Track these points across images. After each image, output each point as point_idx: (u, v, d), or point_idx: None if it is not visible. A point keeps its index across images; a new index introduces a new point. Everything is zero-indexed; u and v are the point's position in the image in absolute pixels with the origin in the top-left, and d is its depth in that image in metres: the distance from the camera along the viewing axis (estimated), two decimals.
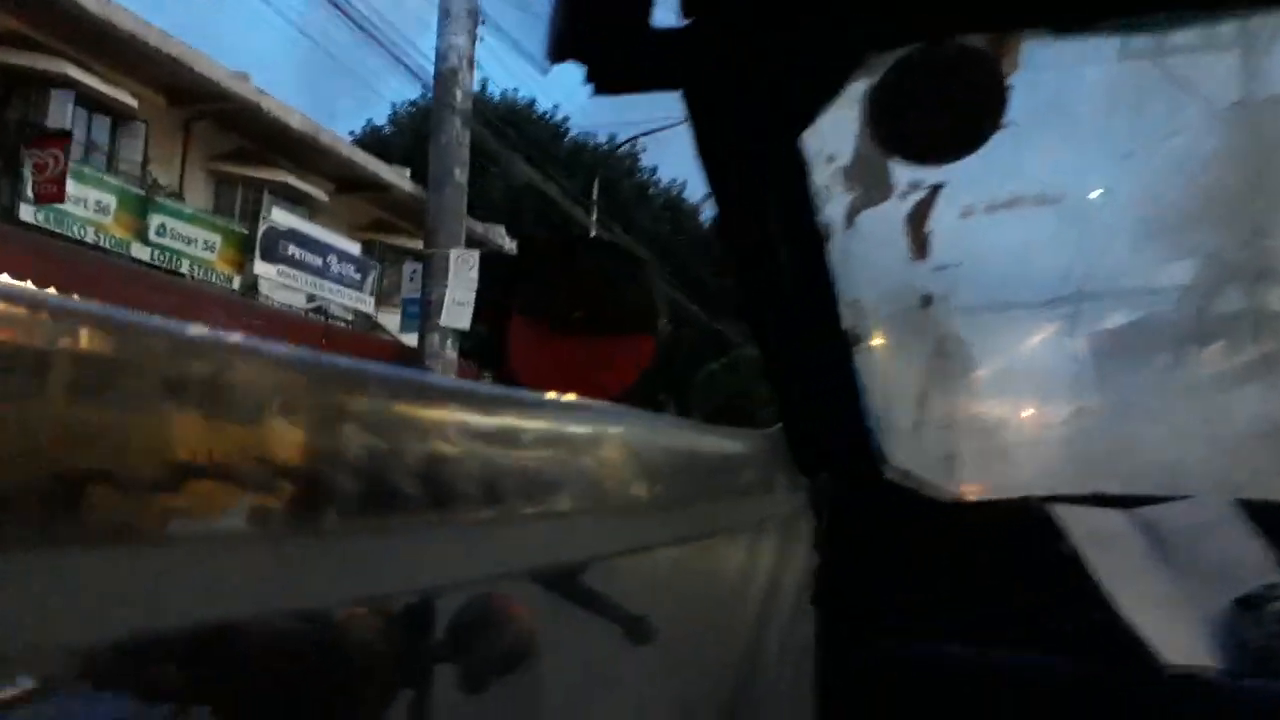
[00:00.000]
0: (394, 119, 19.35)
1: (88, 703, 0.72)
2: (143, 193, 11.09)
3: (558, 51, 0.73)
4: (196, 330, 0.39)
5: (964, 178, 0.98)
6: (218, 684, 0.70)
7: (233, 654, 0.67)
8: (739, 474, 1.05)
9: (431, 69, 10.14)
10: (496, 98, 19.83)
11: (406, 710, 0.89)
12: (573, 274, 1.08)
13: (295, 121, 12.45)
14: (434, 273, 9.29)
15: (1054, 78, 0.97)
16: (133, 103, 11.02)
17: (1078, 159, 1.03)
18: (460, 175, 9.41)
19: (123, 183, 10.95)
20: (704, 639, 1.05)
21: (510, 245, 14.95)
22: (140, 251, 10.84)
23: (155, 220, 10.96)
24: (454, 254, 9.06)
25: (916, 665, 1.23)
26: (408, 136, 18.40)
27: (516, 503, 0.60)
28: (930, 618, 1.40)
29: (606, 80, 0.80)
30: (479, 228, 13.87)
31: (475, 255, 9.16)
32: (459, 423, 0.55)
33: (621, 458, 0.74)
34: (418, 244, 11.72)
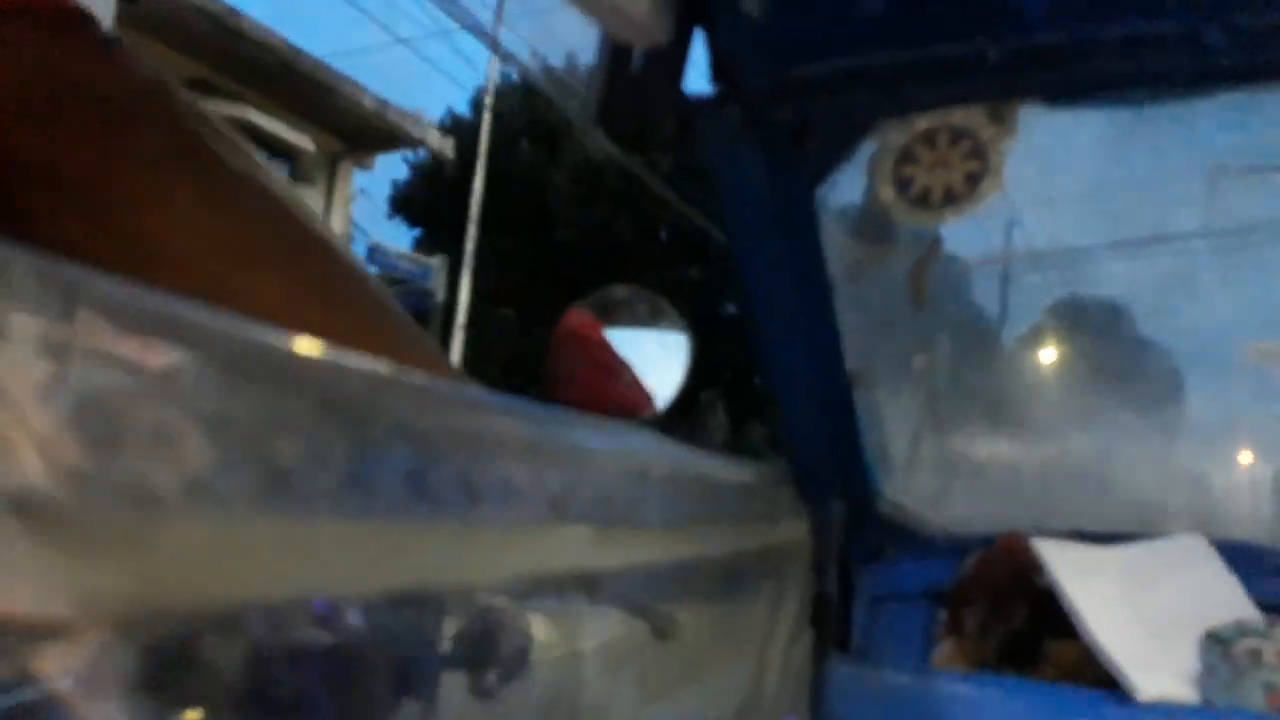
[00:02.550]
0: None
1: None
2: None
3: (601, 119, 0.82)
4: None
5: (962, 234, 1.07)
6: (216, 686, 0.67)
7: (236, 656, 0.65)
8: (747, 501, 1.13)
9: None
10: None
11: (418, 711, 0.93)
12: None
13: None
14: None
15: (1048, 142, 1.06)
16: None
17: (1068, 217, 1.12)
18: None
19: None
20: (710, 657, 1.12)
21: (440, 143, 11.49)
22: None
23: None
24: None
25: (906, 690, 1.30)
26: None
27: (530, 513, 0.65)
28: (920, 643, 1.47)
29: (641, 142, 0.88)
30: (368, 99, 10.13)
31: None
32: (477, 431, 0.60)
33: (636, 478, 0.81)
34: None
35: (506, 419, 0.64)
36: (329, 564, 0.51)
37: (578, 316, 1.30)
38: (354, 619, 0.81)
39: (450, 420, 0.57)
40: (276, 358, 0.44)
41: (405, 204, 17.30)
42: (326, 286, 0.58)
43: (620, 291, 1.24)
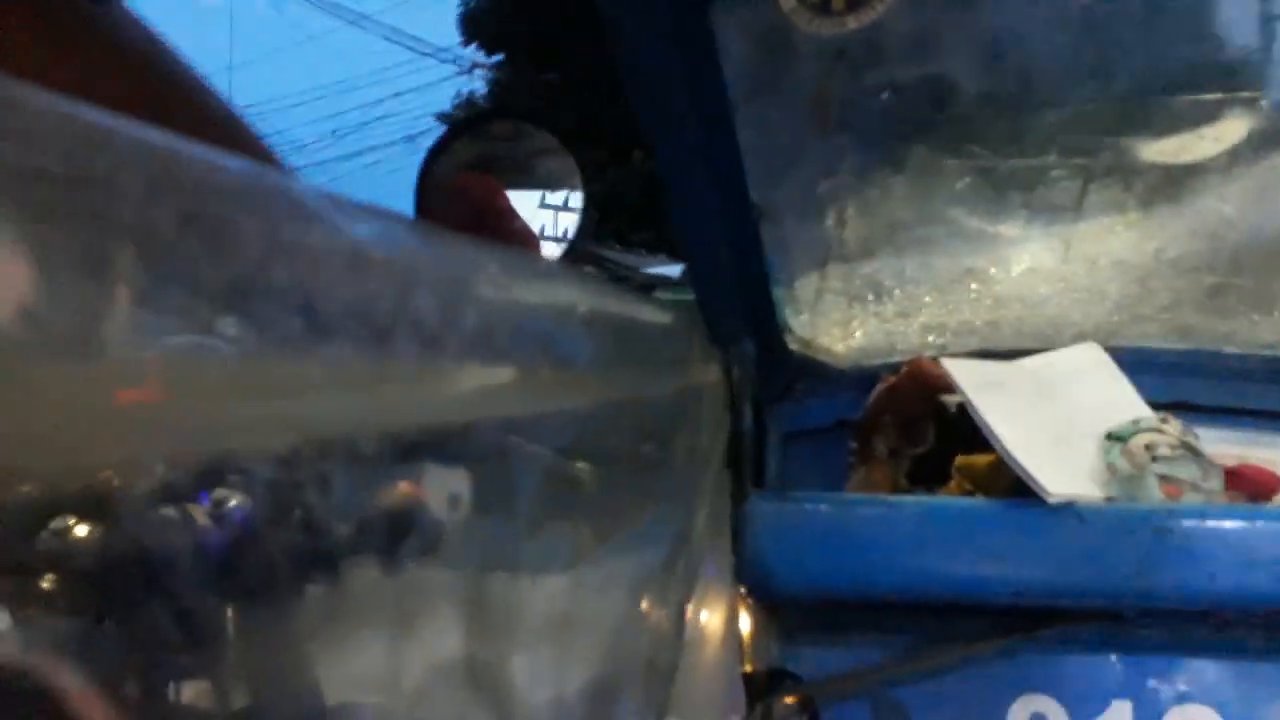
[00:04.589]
0: None
1: None
2: None
3: None
4: None
5: (868, 47, 1.01)
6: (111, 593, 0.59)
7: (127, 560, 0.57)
8: (659, 342, 1.08)
9: None
10: None
11: (321, 603, 0.87)
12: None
13: None
14: None
15: None
16: None
17: (980, 31, 1.07)
18: None
19: None
20: (637, 504, 1.09)
21: None
22: None
23: None
24: None
25: (824, 517, 1.31)
26: None
27: (441, 352, 0.58)
28: (834, 474, 1.49)
29: None
30: None
31: None
32: (372, 255, 0.51)
33: (558, 315, 0.75)
34: None
35: (410, 242, 0.56)
36: (191, 413, 0.41)
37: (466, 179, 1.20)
38: (243, 506, 0.72)
39: (342, 242, 0.48)
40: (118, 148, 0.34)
41: (476, 26, 13.96)
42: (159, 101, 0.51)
43: (504, 129, 1.15)
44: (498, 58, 14.37)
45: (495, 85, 14.44)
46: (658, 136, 1.03)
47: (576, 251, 1.23)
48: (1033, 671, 1.29)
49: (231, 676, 0.69)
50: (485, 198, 1.20)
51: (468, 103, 14.46)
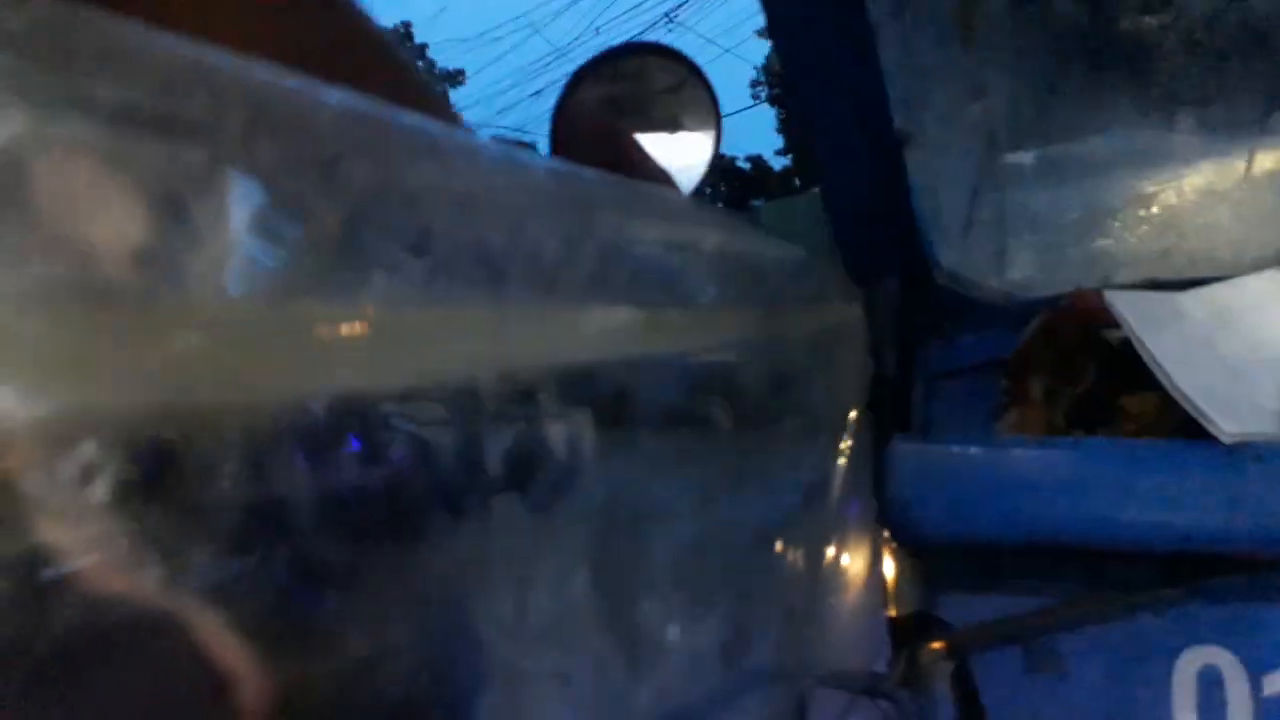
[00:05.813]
0: None
1: None
2: None
3: None
4: None
5: None
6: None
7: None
8: (796, 280, 1.05)
9: None
10: None
11: (470, 538, 0.89)
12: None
13: None
14: None
15: None
16: None
17: None
18: None
19: None
20: (773, 446, 1.07)
21: None
22: None
23: None
24: None
25: (974, 460, 1.26)
26: None
27: (569, 291, 0.57)
28: (983, 417, 1.43)
29: None
30: None
31: None
32: (501, 192, 0.50)
33: (687, 252, 0.73)
34: None
35: (539, 178, 0.55)
36: (327, 356, 0.41)
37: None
38: (398, 448, 0.74)
39: (475, 178, 0.48)
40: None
41: None
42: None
43: (630, 65, 1.12)
44: None
45: None
46: (793, 59, 0.98)
47: (706, 187, 1.20)
48: (1203, 621, 1.21)
49: (376, 616, 0.72)
50: (615, 144, 1.19)
51: None
